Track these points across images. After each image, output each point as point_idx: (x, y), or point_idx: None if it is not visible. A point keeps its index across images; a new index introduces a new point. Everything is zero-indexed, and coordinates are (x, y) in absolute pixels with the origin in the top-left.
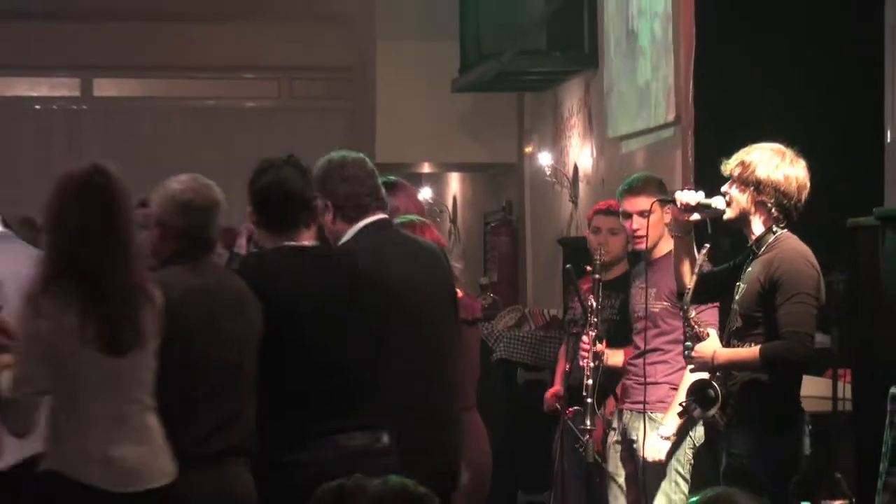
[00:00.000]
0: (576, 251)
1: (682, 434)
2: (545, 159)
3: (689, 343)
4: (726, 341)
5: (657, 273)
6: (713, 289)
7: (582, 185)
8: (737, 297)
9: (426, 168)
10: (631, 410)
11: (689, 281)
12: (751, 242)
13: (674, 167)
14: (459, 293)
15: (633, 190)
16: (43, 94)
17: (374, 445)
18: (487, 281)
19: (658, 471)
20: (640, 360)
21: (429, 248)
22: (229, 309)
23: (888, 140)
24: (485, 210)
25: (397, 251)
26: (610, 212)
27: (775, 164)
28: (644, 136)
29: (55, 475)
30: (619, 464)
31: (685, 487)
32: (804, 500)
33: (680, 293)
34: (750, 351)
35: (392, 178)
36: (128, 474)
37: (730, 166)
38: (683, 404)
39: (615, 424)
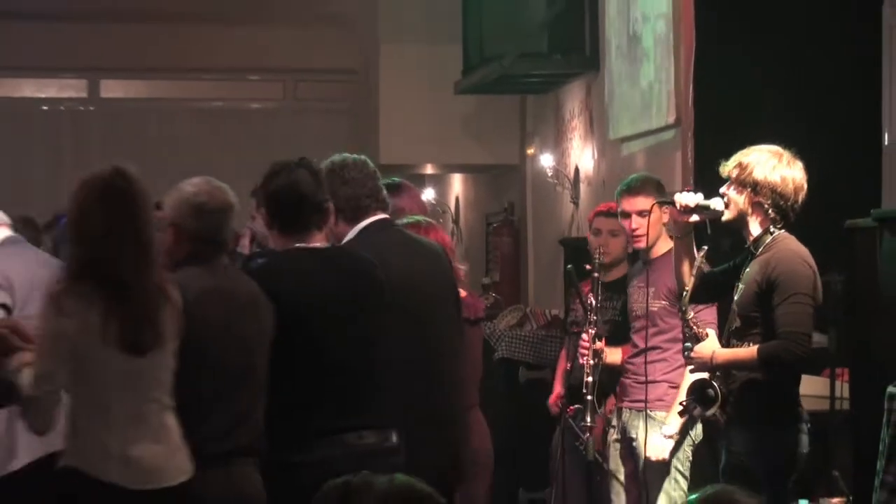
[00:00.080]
0: (577, 252)
1: (682, 432)
2: (547, 161)
3: (688, 344)
4: (726, 341)
5: (655, 272)
6: (713, 289)
7: (583, 187)
8: (736, 298)
9: (429, 169)
10: (630, 409)
11: (689, 282)
12: (749, 243)
13: (674, 169)
14: (462, 293)
15: (632, 190)
16: (51, 95)
17: (383, 444)
18: (489, 281)
19: (661, 469)
20: (638, 359)
21: (431, 247)
22: (242, 311)
23: (886, 142)
24: (487, 211)
25: (398, 251)
26: (611, 214)
27: (772, 165)
28: (644, 137)
29: (74, 472)
30: (620, 461)
31: (684, 485)
32: (802, 497)
33: (681, 293)
34: (748, 351)
35: (396, 179)
36: (146, 472)
37: (728, 168)
38: (684, 403)
39: (614, 422)
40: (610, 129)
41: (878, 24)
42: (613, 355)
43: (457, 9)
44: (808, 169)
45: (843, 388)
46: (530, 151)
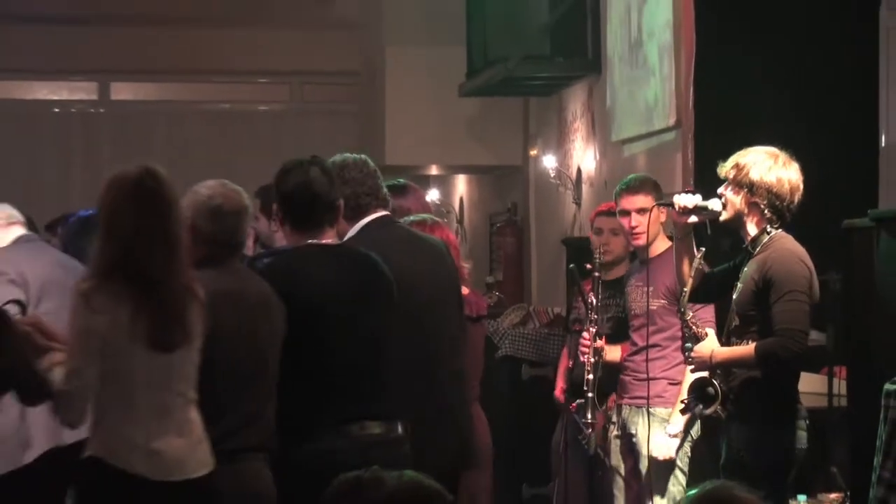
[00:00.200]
0: (579, 251)
1: (684, 430)
2: (549, 162)
3: (688, 344)
4: (726, 340)
5: (653, 272)
6: (714, 289)
7: (585, 188)
8: (734, 297)
9: (434, 170)
10: (630, 405)
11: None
12: (747, 243)
13: (674, 170)
14: (465, 290)
15: (631, 189)
16: (62, 97)
17: (389, 435)
18: (493, 280)
19: (668, 467)
20: (637, 357)
21: (433, 244)
22: (255, 313)
23: (883, 143)
24: (491, 211)
25: (400, 247)
26: (612, 213)
27: (768, 166)
28: (646, 139)
29: (99, 462)
30: (620, 457)
31: (683, 480)
32: (801, 493)
33: (682, 293)
34: (745, 349)
35: (402, 181)
36: (169, 464)
37: (725, 169)
38: (685, 402)
39: (614, 419)
40: (612, 131)
41: (876, 25)
42: (612, 353)
43: (461, 12)
44: (807, 170)
45: (840, 386)
46: (533, 153)
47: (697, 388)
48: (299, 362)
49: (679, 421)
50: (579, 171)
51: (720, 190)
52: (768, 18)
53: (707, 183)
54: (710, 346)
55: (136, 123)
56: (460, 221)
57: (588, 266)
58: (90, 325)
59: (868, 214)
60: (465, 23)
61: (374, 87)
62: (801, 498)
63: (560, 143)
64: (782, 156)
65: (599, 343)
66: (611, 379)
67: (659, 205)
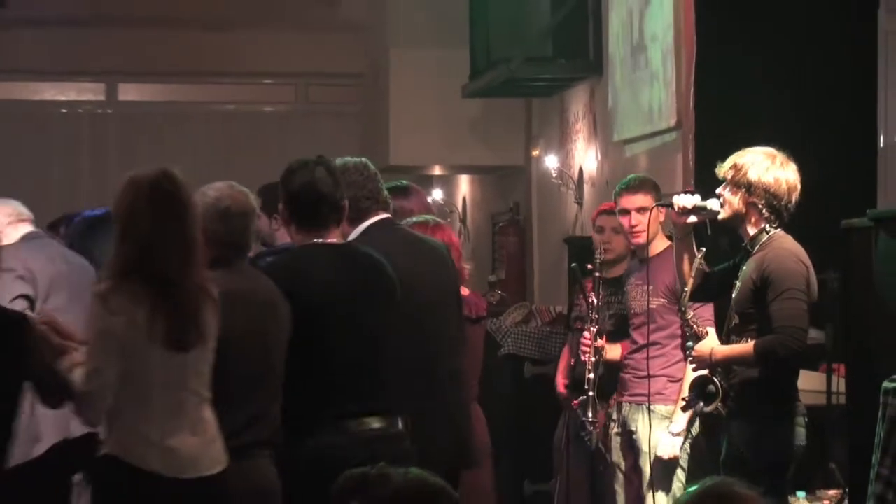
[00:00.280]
0: (581, 250)
1: (686, 428)
2: (551, 162)
3: (689, 343)
4: (725, 338)
5: (653, 271)
6: (713, 288)
7: (587, 187)
8: (733, 296)
9: (437, 170)
10: (630, 403)
11: (690, 282)
12: (745, 242)
13: (675, 170)
14: (465, 291)
15: (631, 188)
16: (70, 98)
17: (389, 430)
18: (496, 278)
19: (673, 465)
20: (637, 355)
21: (433, 246)
22: (263, 313)
23: (881, 144)
24: (493, 211)
25: (401, 249)
26: (614, 212)
27: (766, 166)
28: (647, 140)
29: (115, 460)
30: (621, 454)
31: (683, 477)
32: (800, 489)
33: (682, 292)
34: (745, 347)
35: (404, 182)
36: (183, 462)
37: (723, 169)
38: (686, 399)
39: (614, 416)
40: (614, 131)
41: (876, 26)
42: (613, 352)
43: (464, 15)
44: (807, 170)
45: (839, 384)
46: (535, 153)
47: (698, 387)
48: (300, 359)
49: (682, 420)
50: (581, 171)
51: (719, 190)
52: (768, 19)
53: (707, 183)
54: (709, 344)
55: (142, 124)
56: (463, 221)
57: (589, 266)
58: (108, 326)
59: (867, 214)
60: (468, 25)
61: (378, 89)
62: (801, 494)
63: (562, 143)
64: (780, 156)
65: (600, 342)
66: (612, 378)
67: (658, 205)
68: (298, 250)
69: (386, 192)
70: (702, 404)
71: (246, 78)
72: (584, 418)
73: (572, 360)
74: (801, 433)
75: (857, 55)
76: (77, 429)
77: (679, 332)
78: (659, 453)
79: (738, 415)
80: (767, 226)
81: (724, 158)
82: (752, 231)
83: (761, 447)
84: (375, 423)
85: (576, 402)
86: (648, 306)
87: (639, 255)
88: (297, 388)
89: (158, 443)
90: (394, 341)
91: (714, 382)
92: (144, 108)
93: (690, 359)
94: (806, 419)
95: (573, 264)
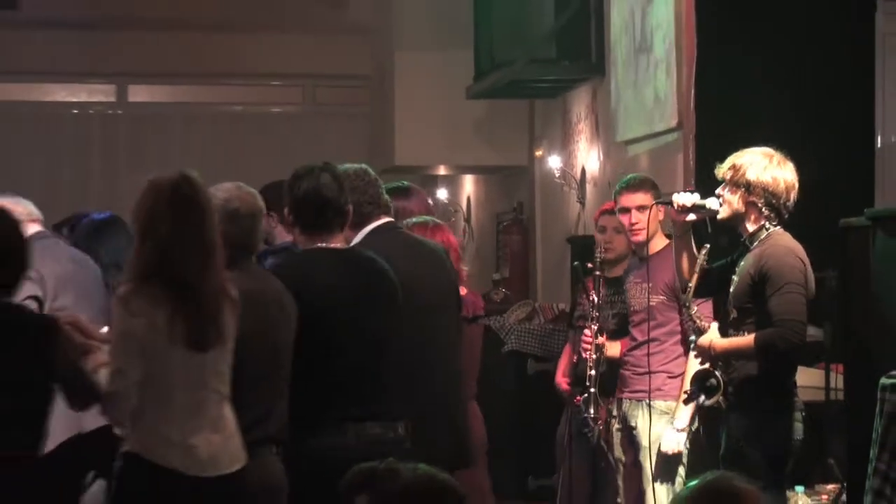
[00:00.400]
0: (583, 249)
1: (689, 423)
2: (554, 162)
3: (692, 337)
4: (723, 332)
5: (652, 269)
6: (713, 284)
7: (589, 187)
8: (731, 290)
9: (442, 170)
10: (630, 399)
11: (689, 276)
12: (744, 238)
13: (675, 170)
14: (463, 290)
15: (631, 187)
16: (81, 99)
17: (388, 435)
18: (500, 277)
19: (674, 460)
20: (637, 351)
21: (433, 249)
22: (273, 311)
23: (879, 144)
24: (497, 210)
25: (403, 253)
26: (615, 212)
27: (763, 166)
28: (648, 140)
29: (137, 458)
30: (622, 450)
31: (682, 471)
32: (799, 484)
33: (683, 288)
34: (745, 339)
35: (405, 183)
36: (204, 460)
37: (722, 170)
38: (687, 393)
39: (615, 412)
40: (616, 132)
41: (874, 26)
42: (612, 349)
43: (469, 17)
44: (806, 170)
45: (837, 380)
46: (538, 153)
47: (699, 380)
48: (304, 362)
49: (685, 415)
50: (583, 171)
51: (718, 190)
52: (768, 19)
53: (707, 183)
54: (709, 337)
55: (152, 125)
56: (468, 220)
57: (589, 265)
58: (129, 328)
59: (864, 213)
60: (472, 28)
61: (384, 90)
62: (799, 489)
63: (565, 144)
64: (777, 156)
65: (601, 339)
66: (613, 375)
67: (658, 203)
68: (302, 254)
69: (386, 197)
70: (703, 397)
71: (254, 79)
72: (585, 415)
73: (574, 358)
74: (798, 427)
75: (857, 56)
76: (90, 423)
77: (678, 328)
78: (663, 449)
79: (737, 409)
80: (767, 223)
81: (724, 158)
82: (751, 228)
83: (760, 441)
84: (376, 428)
85: (578, 398)
86: (648, 303)
87: (638, 253)
88: (300, 390)
89: (180, 442)
90: (395, 345)
91: (715, 376)
92: (154, 109)
93: (694, 352)
94: (804, 414)
95: (575, 263)
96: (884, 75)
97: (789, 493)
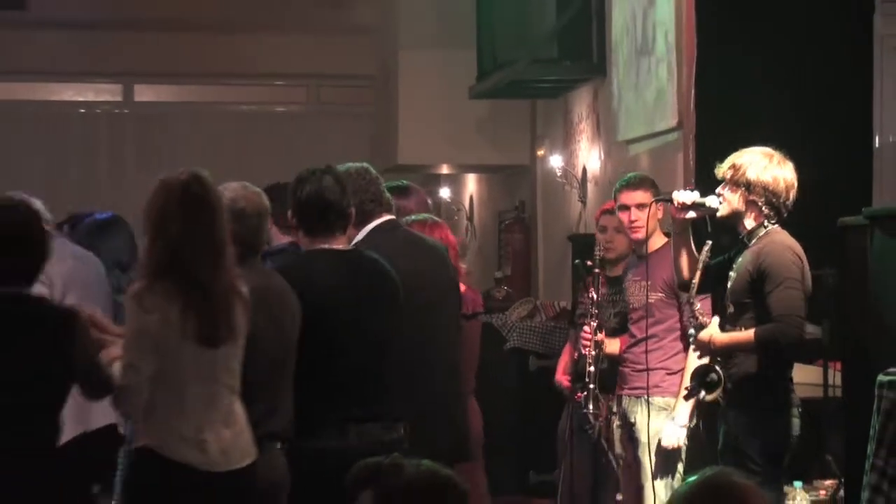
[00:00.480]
0: (584, 247)
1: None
2: (556, 162)
3: (692, 331)
4: (721, 327)
5: (651, 266)
6: (712, 280)
7: (590, 186)
8: (729, 286)
9: (445, 169)
10: (629, 395)
11: (688, 273)
12: (743, 235)
13: (676, 170)
14: (462, 287)
15: (631, 185)
16: (88, 98)
17: (387, 437)
18: (502, 275)
19: (673, 455)
20: (636, 349)
21: (434, 246)
22: (278, 309)
23: (876, 144)
24: (499, 209)
25: (405, 251)
26: (615, 210)
27: (763, 165)
28: (649, 140)
29: (151, 452)
30: (623, 446)
31: (680, 467)
32: (797, 479)
33: (680, 285)
34: (745, 334)
35: (405, 182)
36: (216, 455)
37: (722, 170)
38: (687, 388)
39: (615, 409)
40: (616, 131)
41: (873, 29)
42: (612, 346)
43: (471, 18)
44: (805, 169)
45: (835, 377)
46: (540, 153)
47: (700, 375)
48: (305, 363)
49: (685, 411)
50: (584, 170)
51: (718, 189)
52: (768, 20)
53: (707, 182)
54: (709, 332)
55: (158, 124)
56: (470, 219)
57: (588, 263)
58: (143, 325)
59: (862, 212)
60: (475, 28)
61: (388, 90)
62: (798, 484)
63: (566, 143)
64: (776, 155)
65: (599, 336)
66: (614, 373)
67: (658, 200)
68: (305, 255)
69: (388, 195)
70: (703, 393)
71: (259, 79)
72: (584, 410)
73: (576, 355)
74: (795, 423)
75: (856, 56)
76: (96, 421)
77: (677, 325)
78: (663, 443)
79: (735, 405)
80: (766, 221)
81: (724, 158)
82: (749, 226)
83: (757, 437)
84: (377, 429)
85: (579, 394)
86: (647, 301)
87: (637, 251)
88: (302, 391)
89: (193, 437)
90: (397, 344)
91: (715, 370)
92: (160, 108)
93: (693, 346)
94: (800, 410)
95: (577, 261)
96: (882, 76)
97: (788, 489)
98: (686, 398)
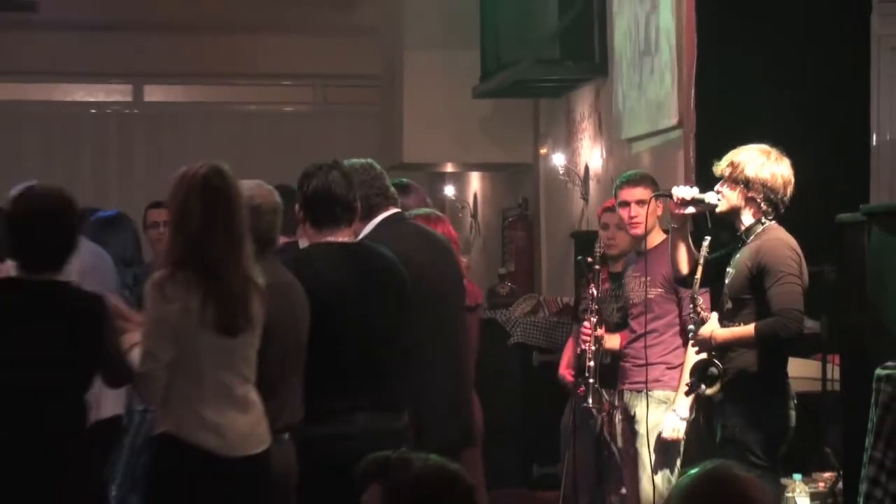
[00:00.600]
0: (587, 244)
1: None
2: (558, 160)
3: (692, 326)
4: (719, 322)
5: (650, 262)
6: (710, 275)
7: (592, 184)
8: (727, 282)
9: (449, 168)
10: (630, 390)
11: (684, 268)
12: (741, 231)
13: (676, 168)
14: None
15: (631, 182)
16: (98, 99)
17: (392, 426)
18: (505, 271)
19: (673, 447)
20: (636, 343)
21: (439, 238)
22: (290, 302)
23: (874, 143)
24: (503, 206)
25: (414, 243)
26: (615, 206)
27: (761, 162)
28: (650, 138)
29: (172, 438)
30: (624, 440)
31: (678, 461)
32: (796, 472)
33: (677, 279)
34: (745, 329)
35: (405, 180)
36: (234, 441)
37: (720, 167)
38: (688, 384)
39: (616, 403)
40: (618, 130)
41: (871, 29)
42: (612, 341)
43: (475, 19)
44: (804, 167)
45: (834, 371)
46: (543, 151)
47: (700, 370)
48: (313, 355)
49: (686, 403)
50: (587, 168)
51: (717, 187)
52: (768, 20)
53: (707, 180)
54: (709, 327)
55: (167, 124)
56: (474, 216)
57: (589, 260)
58: (164, 314)
59: (860, 209)
60: (479, 29)
61: (393, 90)
62: (797, 477)
63: (568, 141)
64: (774, 152)
65: (599, 331)
66: (615, 368)
67: (658, 196)
68: (311, 249)
69: (393, 189)
70: (704, 387)
71: (266, 79)
72: (584, 404)
73: (578, 350)
74: (791, 415)
75: (855, 56)
76: (107, 410)
77: (676, 320)
78: (664, 435)
79: (731, 398)
80: (764, 218)
81: (723, 156)
82: (748, 222)
83: (754, 429)
84: (383, 419)
85: (581, 388)
86: (646, 296)
87: (636, 247)
88: (309, 381)
89: (213, 423)
90: (404, 336)
91: (715, 364)
92: (169, 108)
93: (692, 342)
94: (795, 402)
95: (580, 257)
96: (879, 75)
97: (787, 481)
98: (687, 394)
